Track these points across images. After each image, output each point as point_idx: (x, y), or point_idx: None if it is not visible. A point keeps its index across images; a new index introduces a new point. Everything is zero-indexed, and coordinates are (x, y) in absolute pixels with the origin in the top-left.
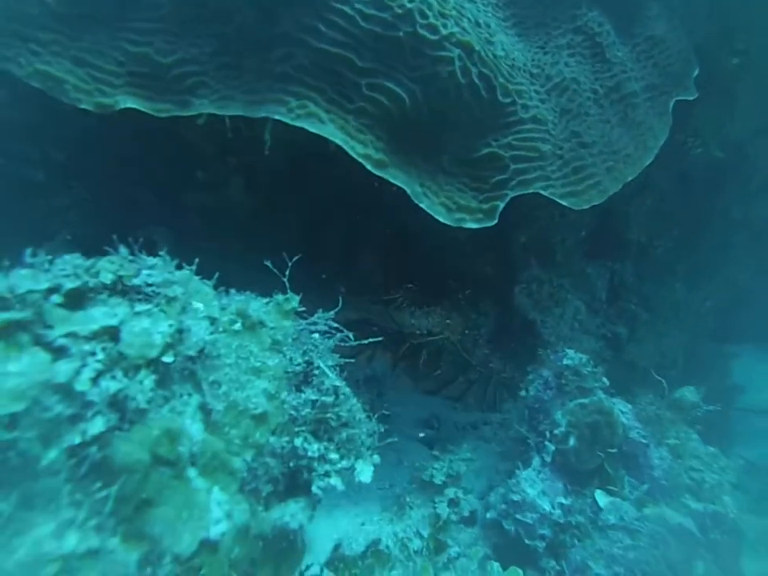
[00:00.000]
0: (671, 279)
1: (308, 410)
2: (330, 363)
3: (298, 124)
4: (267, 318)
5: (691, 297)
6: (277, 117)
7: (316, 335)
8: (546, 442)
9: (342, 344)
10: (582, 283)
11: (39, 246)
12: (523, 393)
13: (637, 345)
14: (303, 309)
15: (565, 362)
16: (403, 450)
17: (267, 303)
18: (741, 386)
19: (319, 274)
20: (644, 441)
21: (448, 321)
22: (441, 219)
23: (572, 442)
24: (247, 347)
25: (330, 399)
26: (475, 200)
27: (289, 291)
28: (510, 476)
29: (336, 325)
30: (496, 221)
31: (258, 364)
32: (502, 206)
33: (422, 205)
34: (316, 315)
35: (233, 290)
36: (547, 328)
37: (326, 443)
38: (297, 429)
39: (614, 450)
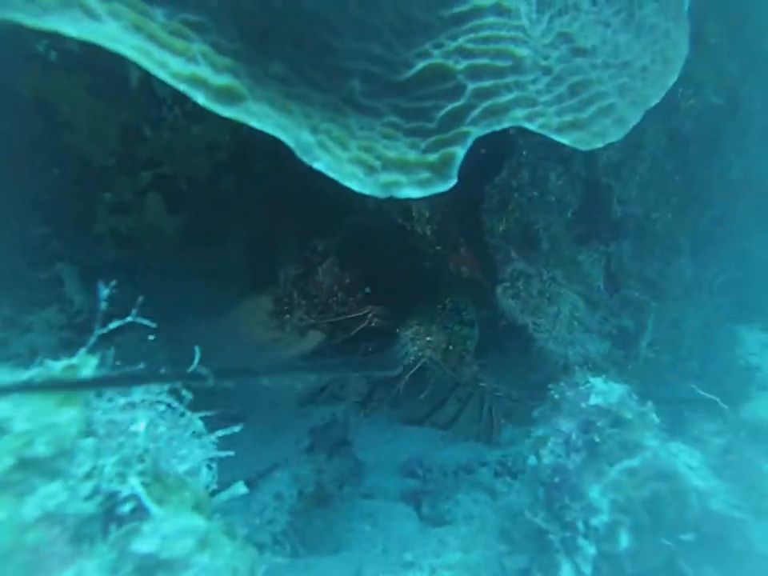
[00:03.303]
0: (676, 256)
1: None
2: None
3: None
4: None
5: (701, 274)
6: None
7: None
8: (580, 540)
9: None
10: (575, 274)
11: None
12: (532, 459)
13: (648, 338)
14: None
15: (593, 401)
16: (381, 521)
17: None
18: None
19: (273, 303)
20: (736, 513)
21: (428, 338)
22: (355, 187)
23: (624, 540)
24: None
25: None
26: (415, 149)
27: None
28: None
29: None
30: (454, 180)
31: None
32: (461, 154)
33: (317, 165)
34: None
35: None
36: (542, 332)
37: None
38: None
39: (688, 537)
